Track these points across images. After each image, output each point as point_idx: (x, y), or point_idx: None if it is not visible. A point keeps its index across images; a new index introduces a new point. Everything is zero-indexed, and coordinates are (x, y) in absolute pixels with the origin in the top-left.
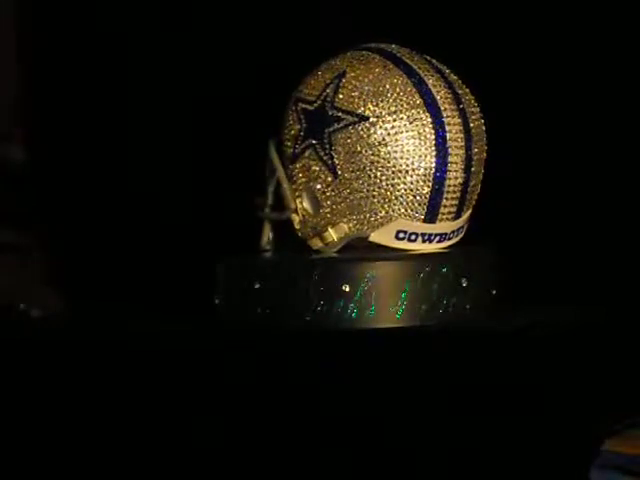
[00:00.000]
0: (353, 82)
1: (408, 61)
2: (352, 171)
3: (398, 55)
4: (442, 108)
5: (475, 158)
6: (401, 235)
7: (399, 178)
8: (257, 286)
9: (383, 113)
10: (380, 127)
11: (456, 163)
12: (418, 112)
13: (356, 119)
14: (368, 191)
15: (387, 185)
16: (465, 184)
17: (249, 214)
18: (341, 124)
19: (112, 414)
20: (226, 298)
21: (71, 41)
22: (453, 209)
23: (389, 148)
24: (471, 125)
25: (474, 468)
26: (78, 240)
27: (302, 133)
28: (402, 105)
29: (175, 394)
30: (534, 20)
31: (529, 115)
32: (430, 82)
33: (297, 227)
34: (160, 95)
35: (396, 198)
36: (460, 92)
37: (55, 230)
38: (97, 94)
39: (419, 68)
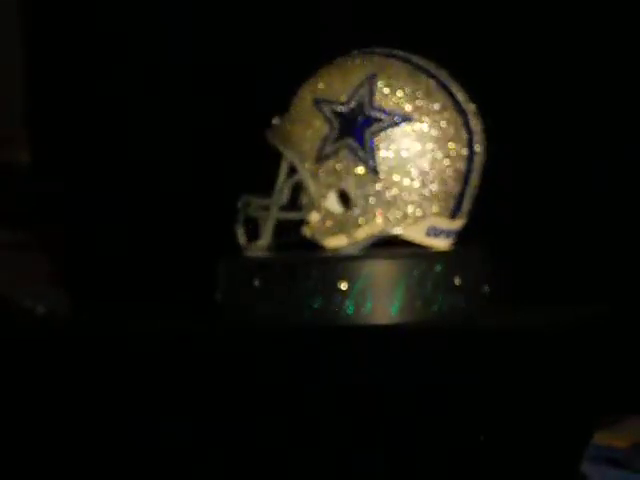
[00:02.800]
0: (388, 84)
1: (423, 64)
2: (393, 170)
3: (414, 60)
4: (467, 110)
5: (484, 159)
6: (431, 232)
7: (438, 177)
8: (257, 284)
9: (424, 114)
10: (423, 127)
11: (478, 163)
12: (453, 113)
13: (398, 119)
14: (409, 190)
15: (427, 184)
16: (478, 184)
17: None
18: (383, 124)
19: (113, 412)
20: (226, 295)
21: (74, 44)
22: (468, 208)
23: (431, 148)
24: (483, 127)
25: (469, 463)
26: (80, 239)
27: (335, 134)
28: (439, 106)
29: (176, 392)
30: (532, 23)
31: (525, 115)
32: (450, 84)
33: (315, 226)
34: (161, 96)
35: (434, 196)
36: (466, 94)
37: (58, 230)
38: (99, 96)
39: (435, 71)
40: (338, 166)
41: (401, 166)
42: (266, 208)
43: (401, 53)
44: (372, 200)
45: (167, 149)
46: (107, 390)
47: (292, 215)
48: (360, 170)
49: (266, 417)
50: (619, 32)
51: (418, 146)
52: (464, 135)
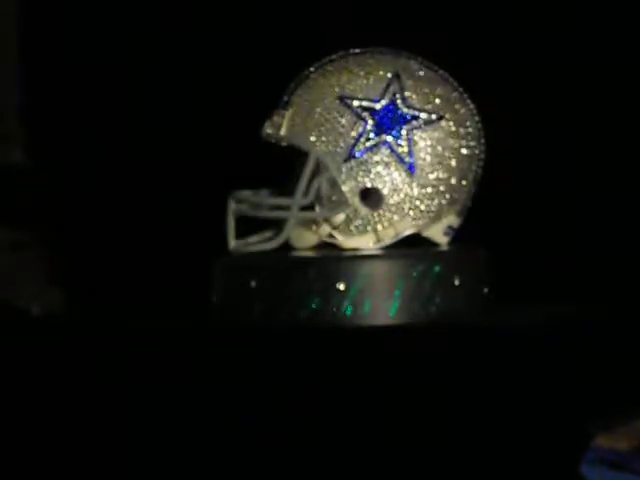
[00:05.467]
0: (415, 82)
1: (430, 65)
2: (429, 169)
3: (422, 60)
4: (473, 108)
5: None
6: (448, 230)
7: (462, 175)
8: (253, 284)
9: (451, 111)
10: (452, 125)
11: (482, 160)
12: (467, 110)
13: (433, 117)
14: (439, 187)
15: (454, 181)
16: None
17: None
18: (419, 122)
19: (108, 413)
20: (222, 297)
21: (71, 42)
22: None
23: (459, 145)
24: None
25: (468, 464)
26: (77, 239)
27: (369, 131)
28: (459, 104)
29: (171, 394)
30: (530, 24)
31: (523, 114)
32: (456, 83)
33: (338, 226)
34: (160, 95)
35: (459, 195)
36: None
37: (54, 229)
38: (97, 94)
39: (443, 71)
40: (373, 164)
41: (434, 164)
42: (284, 208)
43: (407, 53)
44: (404, 198)
45: (166, 148)
46: (102, 391)
47: (314, 214)
48: (398, 167)
49: (263, 419)
50: (618, 30)
51: (449, 143)
52: (477, 133)
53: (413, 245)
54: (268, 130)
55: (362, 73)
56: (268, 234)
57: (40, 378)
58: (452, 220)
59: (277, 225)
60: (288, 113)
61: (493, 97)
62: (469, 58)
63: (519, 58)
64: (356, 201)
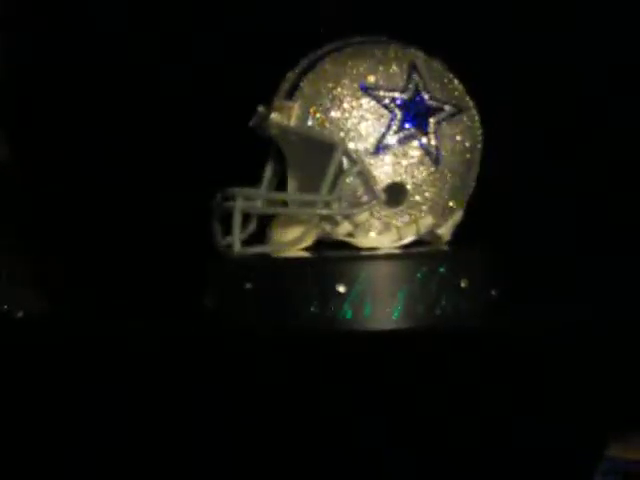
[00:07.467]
0: (432, 72)
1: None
2: (454, 162)
3: (419, 50)
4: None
5: None
6: (454, 227)
7: (475, 168)
8: (248, 287)
9: (467, 103)
10: (471, 117)
11: None
12: (475, 107)
13: (456, 109)
14: (461, 183)
15: (472, 178)
16: None
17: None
18: (444, 114)
19: (102, 416)
20: (216, 300)
21: (54, 38)
22: None
23: (476, 140)
24: None
25: (474, 472)
26: (64, 241)
27: (397, 123)
28: (471, 100)
29: (166, 395)
30: (528, 25)
31: (525, 114)
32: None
33: (358, 223)
34: (154, 91)
35: (471, 191)
36: None
37: (41, 231)
38: (84, 92)
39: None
40: (400, 157)
41: (458, 159)
42: (306, 205)
43: (406, 43)
44: (429, 193)
45: (157, 148)
46: (96, 395)
47: (335, 212)
48: (425, 162)
49: (259, 425)
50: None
51: (468, 137)
52: (481, 127)
53: (413, 245)
54: (274, 121)
55: (379, 62)
56: (248, 231)
57: (23, 381)
58: (460, 216)
59: (264, 224)
60: (297, 103)
61: (493, 97)
62: (469, 58)
63: (519, 58)
64: (382, 197)
